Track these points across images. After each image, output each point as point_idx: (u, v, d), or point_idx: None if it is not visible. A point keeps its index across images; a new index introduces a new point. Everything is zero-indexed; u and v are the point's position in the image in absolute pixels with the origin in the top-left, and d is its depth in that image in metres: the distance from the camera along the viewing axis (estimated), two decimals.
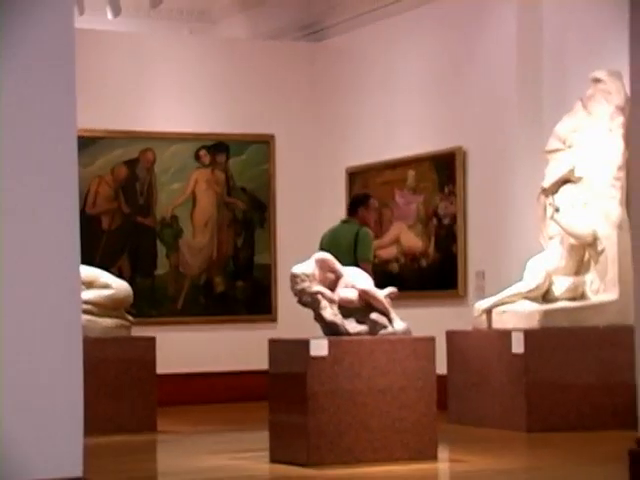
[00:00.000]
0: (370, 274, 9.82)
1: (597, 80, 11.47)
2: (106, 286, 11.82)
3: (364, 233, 11.10)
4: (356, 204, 11.47)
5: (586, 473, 8.32)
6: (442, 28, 13.88)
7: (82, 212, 14.54)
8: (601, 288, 11.32)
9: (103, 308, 11.66)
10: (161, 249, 15.23)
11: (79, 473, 5.23)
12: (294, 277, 8.93)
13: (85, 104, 13.06)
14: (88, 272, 11.60)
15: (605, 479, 7.42)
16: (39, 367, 5.18)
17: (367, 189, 14.81)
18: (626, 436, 6.75)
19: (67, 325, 5.27)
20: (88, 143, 14.47)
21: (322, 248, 10.70)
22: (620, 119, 11.02)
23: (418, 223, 14.16)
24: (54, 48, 5.31)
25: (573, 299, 11.41)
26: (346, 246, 10.82)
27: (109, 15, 15.22)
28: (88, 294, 11.43)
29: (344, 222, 11.45)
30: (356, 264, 10.07)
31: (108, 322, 11.67)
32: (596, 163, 11.43)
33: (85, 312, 11.11)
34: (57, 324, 5.24)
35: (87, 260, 12.09)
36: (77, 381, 5.26)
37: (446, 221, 13.78)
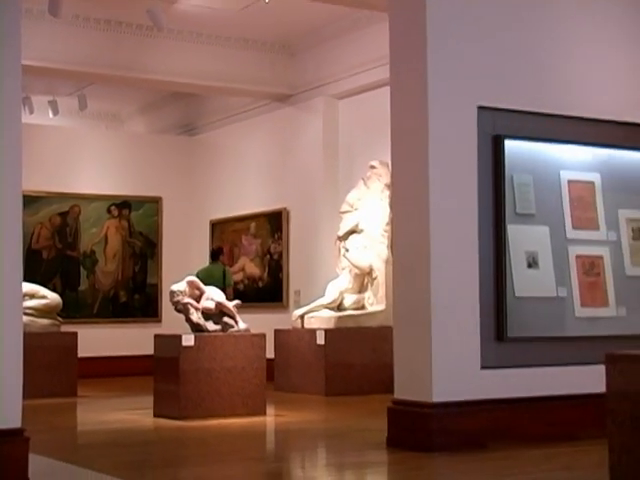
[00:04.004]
0: (232, 292, 11.09)
1: (373, 167, 11.65)
2: (44, 297, 11.58)
3: (228, 270, 12.03)
4: (218, 253, 12.23)
5: (362, 421, 8.41)
6: (274, 129, 14.00)
7: (29, 247, 14.38)
8: (374, 302, 11.45)
9: (41, 312, 11.41)
10: (83, 272, 15.00)
11: (18, 424, 5.14)
12: (172, 293, 8.93)
13: (32, 173, 12.93)
14: (31, 287, 11.40)
15: (374, 425, 7.49)
16: None
17: (223, 234, 14.88)
18: (388, 398, 6.84)
19: (11, 322, 5.19)
20: (33, 200, 14.27)
21: (200, 278, 10.81)
22: (387, 193, 11.21)
23: (257, 257, 14.21)
24: (7, 138, 5.25)
25: (357, 309, 11.50)
26: (218, 278, 11.26)
27: (50, 114, 15.02)
28: (31, 302, 11.21)
29: (213, 264, 12.00)
30: (224, 288, 10.45)
31: (45, 322, 11.42)
32: (372, 220, 11.58)
33: (28, 315, 10.94)
34: (6, 322, 5.15)
35: (31, 279, 11.98)
36: (18, 360, 5.16)
37: (275, 256, 13.86)
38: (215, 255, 12.17)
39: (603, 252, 7.22)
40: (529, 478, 5.36)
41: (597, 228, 7.21)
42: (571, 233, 7.07)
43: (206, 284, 9.27)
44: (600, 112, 7.15)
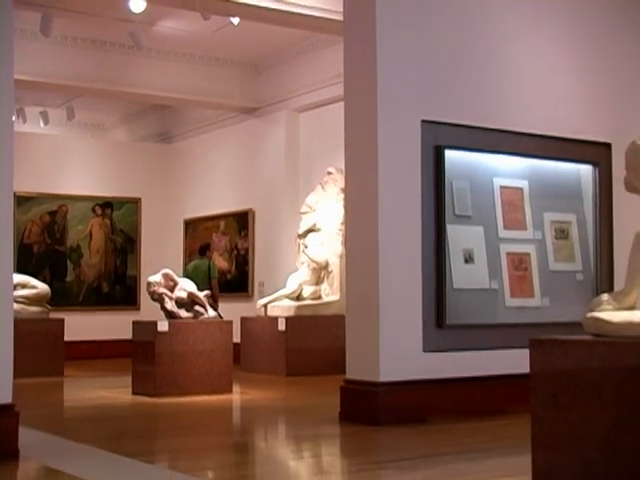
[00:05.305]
0: (217, 284, 11.20)
1: (329, 173, 11.68)
2: (34, 287, 11.49)
3: (213, 264, 11.78)
4: (205, 249, 11.97)
5: (318, 399, 8.43)
6: (242, 139, 13.97)
7: (21, 242, 14.24)
8: (330, 293, 11.46)
9: (32, 300, 11.32)
10: (70, 265, 14.87)
11: (9, 400, 5.10)
12: (149, 284, 8.89)
13: (24, 177, 12.80)
14: (23, 278, 11.31)
15: (328, 402, 7.47)
16: None
17: (196, 232, 14.81)
18: (341, 378, 6.86)
19: (3, 309, 5.14)
20: (25, 200, 14.18)
21: (188, 271, 11.42)
22: (342, 196, 11.19)
23: (226, 252, 14.17)
24: (1, 144, 5.19)
25: (314, 299, 11.50)
26: (204, 271, 11.28)
27: (41, 124, 14.88)
28: (22, 292, 11.12)
29: (200, 258, 11.71)
30: (209, 280, 10.73)
31: (35, 309, 11.32)
32: (329, 220, 11.60)
33: (20, 303, 10.85)
34: None
35: (23, 271, 11.92)
36: (9, 343, 5.12)
37: (242, 252, 13.84)
38: (203, 251, 11.99)
39: (530, 249, 7.32)
40: (463, 448, 5.41)
41: (525, 228, 7.31)
42: (502, 233, 7.15)
43: (193, 277, 9.31)
44: (529, 127, 7.25)
